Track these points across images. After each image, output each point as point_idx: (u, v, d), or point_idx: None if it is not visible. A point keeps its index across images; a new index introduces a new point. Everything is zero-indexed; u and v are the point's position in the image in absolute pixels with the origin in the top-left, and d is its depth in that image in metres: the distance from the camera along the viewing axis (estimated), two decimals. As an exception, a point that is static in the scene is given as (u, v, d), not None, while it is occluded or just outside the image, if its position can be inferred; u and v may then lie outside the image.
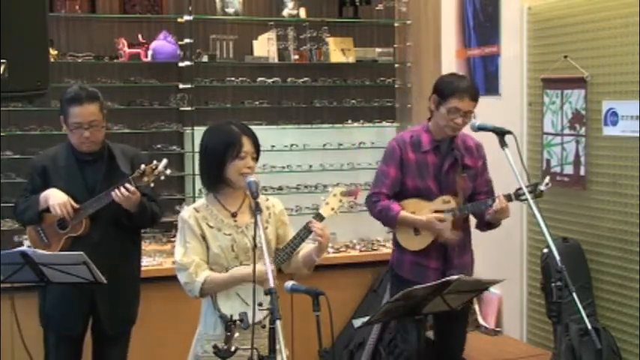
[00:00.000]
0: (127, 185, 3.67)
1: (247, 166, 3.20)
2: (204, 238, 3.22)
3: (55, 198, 3.75)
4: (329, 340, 2.76)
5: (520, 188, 3.65)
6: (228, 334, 2.87)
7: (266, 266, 2.76)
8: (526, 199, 3.56)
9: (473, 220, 4.05)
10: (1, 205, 4.72)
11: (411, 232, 3.95)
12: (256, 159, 3.27)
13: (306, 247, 3.34)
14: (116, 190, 3.67)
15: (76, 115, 3.76)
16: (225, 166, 3.20)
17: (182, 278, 3.21)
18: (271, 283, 2.73)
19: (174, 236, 4.55)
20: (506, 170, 3.54)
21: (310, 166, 5.56)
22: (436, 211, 3.86)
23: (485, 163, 4.04)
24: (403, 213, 3.89)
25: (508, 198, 3.76)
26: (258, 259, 2.92)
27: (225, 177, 3.22)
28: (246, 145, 3.21)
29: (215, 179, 3.26)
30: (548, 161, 4.57)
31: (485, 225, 3.94)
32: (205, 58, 5.33)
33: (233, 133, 3.22)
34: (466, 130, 3.91)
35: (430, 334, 4.16)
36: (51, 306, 3.85)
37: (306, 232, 3.26)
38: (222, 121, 3.35)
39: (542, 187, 3.73)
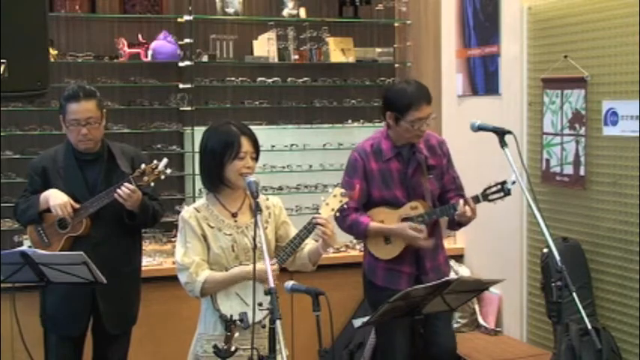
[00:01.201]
0: (128, 184, 3.68)
1: (246, 166, 3.20)
2: (204, 238, 3.23)
3: (56, 198, 3.76)
4: (329, 340, 2.77)
5: (487, 189, 3.65)
6: (228, 334, 2.87)
7: (266, 266, 2.77)
8: (494, 200, 3.59)
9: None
10: (1, 205, 4.73)
11: (381, 241, 3.90)
12: (256, 159, 3.27)
13: (311, 243, 3.35)
14: (118, 189, 3.68)
15: (73, 111, 3.76)
16: (224, 166, 3.20)
17: (183, 278, 3.21)
18: (271, 283, 2.73)
19: (175, 236, 4.55)
20: (506, 170, 3.54)
21: (310, 166, 5.56)
22: (405, 219, 3.82)
23: (450, 160, 3.98)
24: (373, 224, 3.84)
25: (476, 200, 3.75)
26: (258, 259, 2.92)
27: (225, 177, 3.22)
28: (245, 145, 3.21)
29: (215, 179, 3.26)
30: (547, 161, 4.57)
31: (457, 224, 3.90)
32: (205, 58, 5.33)
33: (232, 133, 3.22)
34: (464, 129, 3.88)
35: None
36: (51, 306, 3.85)
37: (307, 231, 3.26)
38: (222, 121, 3.35)
39: (509, 185, 3.67)
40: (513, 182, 3.66)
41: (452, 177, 3.99)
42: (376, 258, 3.93)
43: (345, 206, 3.74)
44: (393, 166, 3.86)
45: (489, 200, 3.72)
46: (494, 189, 3.68)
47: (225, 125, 3.28)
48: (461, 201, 3.76)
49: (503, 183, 3.69)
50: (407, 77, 5.72)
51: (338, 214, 3.28)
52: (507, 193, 3.69)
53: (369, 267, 3.99)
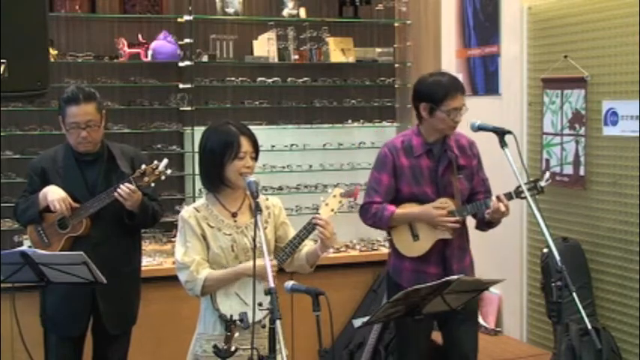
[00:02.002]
0: (128, 184, 3.68)
1: (246, 166, 3.20)
2: (204, 237, 3.22)
3: (54, 194, 3.76)
4: (329, 340, 2.77)
5: (520, 186, 3.62)
6: (228, 334, 2.87)
7: (266, 266, 2.77)
8: (526, 197, 3.55)
9: (470, 222, 4.02)
10: (1, 205, 4.73)
11: (408, 237, 3.86)
12: (255, 158, 3.27)
13: (310, 245, 3.35)
14: (118, 189, 3.68)
15: (73, 114, 3.76)
16: (224, 166, 3.20)
17: (183, 277, 3.21)
18: (271, 283, 2.73)
19: (175, 236, 4.55)
20: (506, 170, 3.54)
21: (310, 166, 5.56)
22: None
23: (480, 162, 3.97)
24: (398, 210, 3.81)
25: (508, 197, 3.72)
26: (258, 259, 2.92)
27: (225, 177, 3.22)
28: (245, 145, 3.21)
29: (214, 179, 3.26)
30: (547, 161, 4.57)
31: (486, 224, 3.89)
32: (205, 58, 5.33)
33: (231, 133, 3.21)
34: (464, 130, 3.89)
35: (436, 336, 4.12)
36: (51, 306, 3.86)
37: (306, 231, 3.26)
38: (221, 121, 3.34)
39: (542, 183, 3.70)
40: (547, 180, 3.68)
41: (481, 179, 3.96)
42: (402, 259, 3.88)
43: (369, 200, 3.75)
44: (424, 163, 3.84)
45: (522, 197, 3.67)
46: (527, 186, 3.62)
47: (225, 125, 3.27)
48: (493, 197, 3.73)
49: (537, 180, 3.69)
50: (407, 77, 5.74)
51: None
52: (541, 190, 3.69)
53: (394, 268, 3.95)
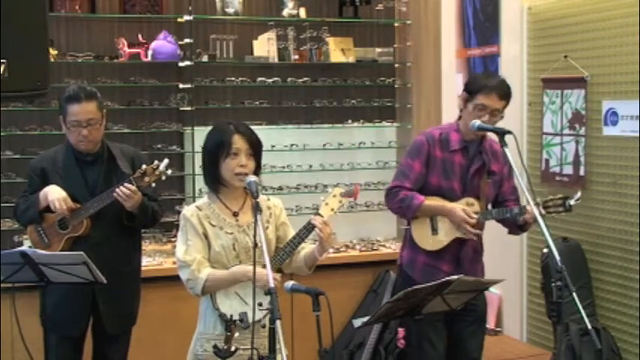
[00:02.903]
0: (128, 185, 3.68)
1: (240, 165, 3.18)
2: (206, 236, 3.22)
3: (54, 193, 3.76)
4: (329, 340, 2.77)
5: (549, 200, 3.64)
6: (228, 334, 2.87)
7: (266, 267, 2.77)
8: (552, 213, 3.60)
9: (488, 230, 3.97)
10: (1, 205, 4.73)
11: (428, 230, 3.85)
12: (255, 157, 3.25)
13: (308, 247, 3.35)
14: (118, 190, 3.68)
15: (74, 113, 3.76)
16: (219, 165, 3.20)
17: (184, 275, 3.20)
18: (271, 283, 2.73)
19: (175, 236, 4.55)
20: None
21: (310, 166, 5.56)
22: None
23: (512, 170, 3.86)
24: (428, 201, 3.78)
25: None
26: (259, 259, 2.92)
27: (221, 176, 3.22)
28: (238, 143, 3.19)
29: (212, 178, 3.26)
30: (547, 161, 4.57)
31: (518, 228, 3.86)
32: (205, 58, 5.32)
33: (226, 132, 3.22)
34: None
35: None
36: (52, 306, 3.86)
37: (306, 231, 3.26)
38: (223, 121, 3.36)
39: (572, 202, 3.66)
40: (578, 199, 3.65)
41: (512, 186, 3.94)
42: (417, 252, 3.88)
43: (398, 183, 3.74)
44: (457, 159, 3.83)
45: (549, 212, 3.67)
46: (557, 202, 3.63)
47: (223, 125, 3.28)
48: (528, 206, 3.63)
49: (566, 198, 3.67)
50: (407, 77, 5.74)
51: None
52: (568, 209, 3.68)
53: (408, 260, 3.94)
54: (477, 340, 3.96)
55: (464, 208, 3.75)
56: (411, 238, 3.92)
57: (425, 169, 3.82)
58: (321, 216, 3.28)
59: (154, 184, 3.74)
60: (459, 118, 3.88)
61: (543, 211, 3.62)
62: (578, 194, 3.71)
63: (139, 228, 4.01)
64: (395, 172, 3.98)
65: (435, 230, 3.85)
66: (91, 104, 3.79)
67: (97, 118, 3.81)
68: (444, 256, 3.85)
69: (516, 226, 3.85)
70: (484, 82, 3.75)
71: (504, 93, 3.74)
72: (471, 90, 3.77)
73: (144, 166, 3.72)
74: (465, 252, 3.87)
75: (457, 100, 3.91)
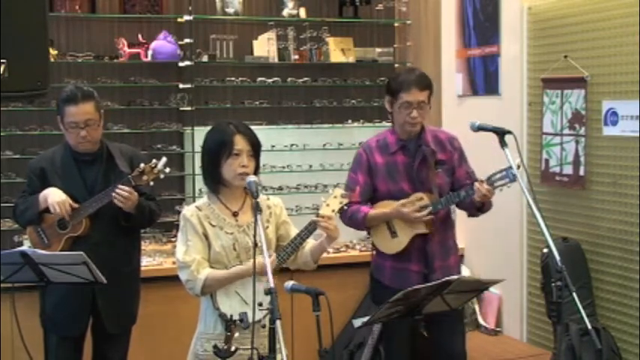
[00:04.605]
0: (124, 186, 3.67)
1: (242, 165, 3.19)
2: (206, 236, 3.23)
3: (54, 196, 3.76)
4: (329, 340, 2.76)
5: (492, 175, 3.62)
6: (228, 333, 2.87)
7: (266, 266, 2.77)
8: (499, 186, 3.59)
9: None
10: (1, 205, 4.73)
11: (387, 234, 3.88)
12: (255, 157, 3.26)
13: (312, 242, 3.36)
14: (115, 194, 3.67)
15: (71, 114, 3.76)
16: (220, 165, 3.20)
17: (183, 276, 3.21)
18: (271, 283, 2.73)
19: (175, 236, 4.55)
20: (506, 170, 3.54)
21: (310, 166, 5.56)
22: None
23: (463, 156, 3.95)
24: (371, 211, 3.83)
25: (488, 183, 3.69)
26: (258, 256, 2.92)
27: (222, 177, 3.23)
28: (239, 143, 3.20)
29: (213, 179, 3.26)
30: (547, 161, 4.57)
31: (477, 210, 3.85)
32: (205, 58, 5.33)
33: (226, 132, 3.22)
34: (464, 129, 3.87)
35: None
36: (52, 306, 3.85)
37: (307, 232, 3.26)
38: (223, 121, 3.36)
39: (514, 171, 3.53)
40: (519, 167, 3.58)
41: (466, 172, 3.95)
42: (384, 257, 3.91)
43: (346, 207, 3.75)
44: (399, 159, 3.86)
45: (495, 186, 3.66)
46: (498, 175, 3.62)
47: (223, 125, 3.28)
48: (475, 183, 3.69)
49: (509, 168, 3.63)
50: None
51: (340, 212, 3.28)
52: (512, 179, 3.59)
53: (376, 266, 3.98)
54: (457, 339, 3.96)
55: (402, 202, 3.76)
56: (375, 245, 3.97)
57: (369, 179, 3.87)
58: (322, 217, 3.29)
59: (152, 183, 3.74)
60: (392, 121, 3.92)
61: (490, 187, 3.63)
62: (517, 160, 3.54)
63: (136, 228, 4.01)
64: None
65: (394, 233, 3.87)
66: (88, 105, 3.78)
67: (95, 118, 3.80)
68: (411, 256, 3.86)
69: (475, 208, 3.84)
70: (401, 80, 3.80)
71: (424, 84, 3.81)
72: (392, 92, 3.81)
73: (142, 165, 3.72)
74: (431, 248, 3.86)
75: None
